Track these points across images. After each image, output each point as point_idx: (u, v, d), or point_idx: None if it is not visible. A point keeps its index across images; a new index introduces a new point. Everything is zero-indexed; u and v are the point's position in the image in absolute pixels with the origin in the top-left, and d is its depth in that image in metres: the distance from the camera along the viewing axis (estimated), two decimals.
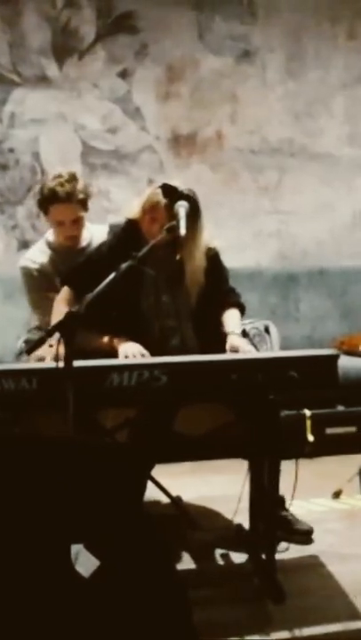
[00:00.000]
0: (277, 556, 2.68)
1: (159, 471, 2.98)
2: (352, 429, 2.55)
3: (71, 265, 3.00)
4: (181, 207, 2.59)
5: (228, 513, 3.14)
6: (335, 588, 2.67)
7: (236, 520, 3.01)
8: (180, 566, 2.80)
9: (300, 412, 2.43)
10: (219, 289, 2.91)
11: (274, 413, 2.47)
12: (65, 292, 2.89)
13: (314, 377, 2.47)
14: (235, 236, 4.66)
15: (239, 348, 2.68)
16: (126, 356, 2.64)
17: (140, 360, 2.57)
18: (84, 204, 3.09)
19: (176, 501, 3.22)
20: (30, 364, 2.57)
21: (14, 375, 2.35)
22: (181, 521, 3.14)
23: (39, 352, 2.46)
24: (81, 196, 3.05)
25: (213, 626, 2.37)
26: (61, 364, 2.17)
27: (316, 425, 2.42)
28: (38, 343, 2.28)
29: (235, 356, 2.63)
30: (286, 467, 2.66)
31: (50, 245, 3.21)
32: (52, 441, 1.99)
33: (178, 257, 2.76)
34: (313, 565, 2.84)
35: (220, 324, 2.85)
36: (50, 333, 2.23)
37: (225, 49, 4.72)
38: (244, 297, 3.01)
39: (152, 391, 2.40)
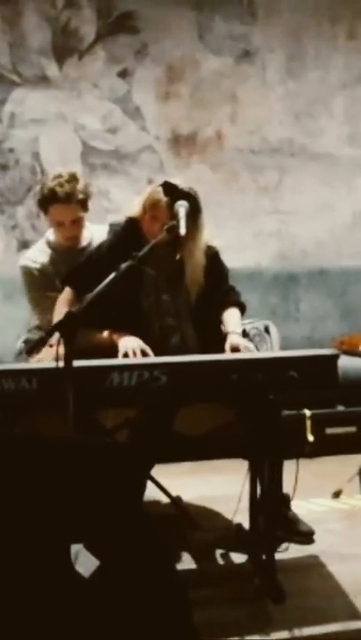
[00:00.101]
0: (277, 556, 2.68)
1: (159, 471, 2.98)
2: (352, 429, 2.55)
3: (71, 265, 3.01)
4: (181, 207, 2.59)
5: (228, 513, 3.14)
6: (335, 588, 2.67)
7: (236, 520, 3.00)
8: (180, 566, 2.80)
9: (300, 411, 2.43)
10: (219, 288, 2.91)
11: (274, 413, 2.47)
12: (66, 292, 2.89)
13: (314, 377, 2.47)
14: (235, 235, 4.66)
15: (239, 346, 2.67)
16: (126, 351, 2.64)
17: (140, 360, 2.57)
18: (83, 205, 3.09)
19: (176, 501, 3.22)
20: (30, 363, 2.57)
21: (14, 375, 2.35)
22: (181, 521, 3.14)
23: (40, 355, 2.47)
24: (81, 196, 3.05)
25: (213, 626, 2.37)
26: (61, 364, 2.17)
27: (316, 425, 2.42)
28: (38, 343, 2.28)
29: (235, 355, 2.63)
30: (286, 467, 2.66)
31: (50, 245, 3.21)
32: (52, 441, 1.99)
33: (178, 256, 2.76)
34: (313, 565, 2.84)
35: (220, 323, 2.85)
36: (50, 333, 2.23)
37: (225, 49, 4.72)
38: (244, 297, 3.01)
39: (152, 391, 2.40)
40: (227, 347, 2.68)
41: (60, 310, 2.72)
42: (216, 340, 2.76)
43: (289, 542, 2.94)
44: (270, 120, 4.82)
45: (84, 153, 4.60)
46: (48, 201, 3.04)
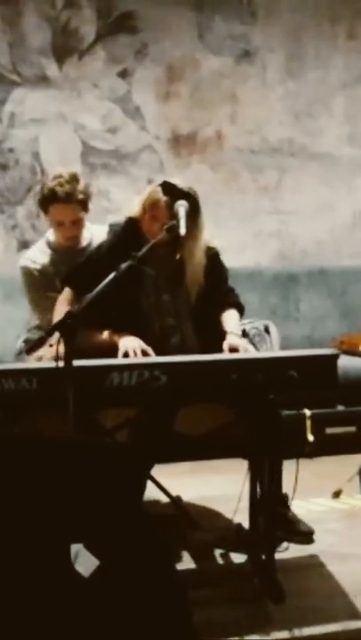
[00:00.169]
0: (277, 556, 2.68)
1: (159, 471, 2.98)
2: (352, 429, 2.55)
3: (71, 265, 3.01)
4: (181, 207, 2.59)
5: (227, 513, 3.14)
6: (335, 588, 2.67)
7: (236, 520, 3.00)
8: (180, 566, 2.80)
9: (300, 411, 2.43)
10: (218, 288, 2.91)
11: (274, 413, 2.47)
12: (66, 292, 2.89)
13: (314, 377, 2.47)
14: (235, 235, 4.65)
15: (238, 347, 2.67)
16: (126, 351, 2.63)
17: (140, 360, 2.57)
18: (83, 205, 3.08)
19: (176, 501, 3.22)
20: (30, 363, 2.57)
21: (14, 375, 2.35)
22: (181, 521, 3.14)
23: (38, 353, 2.47)
24: (81, 196, 3.04)
25: (213, 626, 2.37)
26: (61, 364, 2.17)
27: (316, 425, 2.42)
28: (38, 343, 2.28)
29: (235, 355, 2.63)
30: (286, 466, 2.66)
31: (50, 245, 3.21)
32: (52, 441, 1.99)
33: (178, 256, 2.76)
34: (313, 565, 2.84)
35: (219, 324, 2.85)
36: (49, 333, 2.23)
37: (225, 49, 4.72)
38: (244, 297, 3.01)
39: (152, 391, 2.40)
40: (225, 347, 2.68)
41: (60, 310, 2.72)
42: (216, 340, 2.76)
43: (289, 542, 2.95)
44: (270, 120, 4.82)
45: (84, 153, 4.60)
46: (48, 201, 3.04)
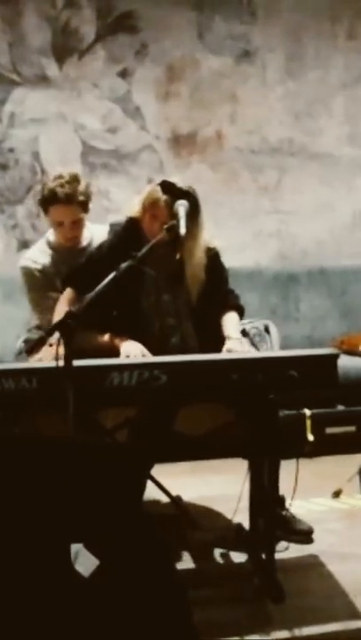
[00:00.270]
0: (277, 556, 2.68)
1: (159, 471, 2.98)
2: (352, 429, 2.55)
3: (72, 265, 3.01)
4: (181, 206, 2.59)
5: (227, 513, 3.14)
6: (335, 588, 2.67)
7: (236, 520, 3.00)
8: (180, 566, 2.80)
9: (299, 411, 2.43)
10: (218, 289, 2.91)
11: (274, 413, 2.47)
12: (67, 292, 2.89)
13: (314, 376, 2.47)
14: (235, 235, 4.65)
15: (238, 351, 2.68)
16: (128, 356, 2.64)
17: (139, 359, 2.57)
18: (84, 206, 3.07)
19: (176, 501, 3.22)
20: (30, 363, 2.57)
21: (14, 375, 2.35)
22: (181, 521, 3.14)
23: (38, 354, 2.47)
24: (81, 198, 3.03)
25: (213, 626, 2.38)
26: (61, 364, 2.17)
27: (315, 424, 2.42)
28: (38, 343, 2.29)
29: (235, 355, 2.63)
30: (286, 466, 2.66)
31: (50, 245, 3.21)
32: (52, 441, 1.99)
33: (178, 256, 2.76)
34: (313, 565, 2.84)
35: (219, 326, 2.85)
36: (49, 333, 2.23)
37: (225, 49, 4.71)
38: (244, 297, 3.01)
39: (152, 391, 2.40)
40: (224, 351, 2.69)
41: (61, 310, 2.72)
42: (216, 340, 2.76)
43: (287, 541, 2.95)
44: (270, 120, 4.82)
45: (84, 153, 4.60)
46: (48, 201, 3.04)
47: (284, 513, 3.02)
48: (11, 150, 4.51)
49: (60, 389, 2.14)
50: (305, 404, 2.46)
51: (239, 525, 3.02)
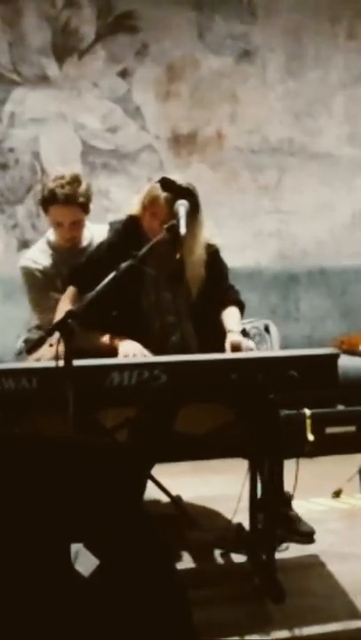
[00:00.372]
0: (277, 556, 2.68)
1: (159, 471, 2.98)
2: (352, 429, 2.55)
3: (73, 265, 3.00)
4: (182, 206, 2.59)
5: (227, 513, 3.14)
6: (335, 588, 2.67)
7: (236, 520, 3.00)
8: (180, 566, 2.80)
9: (300, 411, 2.43)
10: (219, 285, 2.91)
11: (274, 413, 2.47)
12: (69, 291, 2.89)
13: (314, 376, 2.47)
14: (235, 235, 4.65)
15: (240, 344, 2.67)
16: (126, 356, 2.64)
17: (139, 359, 2.57)
18: (84, 207, 3.06)
19: (176, 501, 3.22)
20: (30, 363, 2.57)
21: (14, 375, 2.34)
22: (181, 521, 3.14)
23: (38, 353, 2.47)
24: (81, 199, 3.02)
25: (213, 626, 2.37)
26: (61, 364, 2.17)
27: (316, 424, 2.42)
28: (38, 343, 2.28)
29: (235, 355, 2.63)
30: (286, 466, 2.66)
31: (50, 245, 3.20)
32: (52, 441, 1.99)
33: (178, 256, 2.75)
34: (313, 565, 2.84)
35: (219, 322, 2.85)
36: (50, 332, 2.23)
37: (225, 49, 4.72)
38: (244, 297, 3.01)
39: (152, 390, 2.40)
40: (227, 345, 2.68)
41: (63, 309, 2.72)
42: (216, 338, 2.75)
43: (289, 541, 2.95)
44: (270, 120, 4.82)
45: (84, 152, 4.60)
46: (48, 202, 3.04)
47: (292, 513, 3.03)
48: (11, 150, 4.51)
49: (60, 389, 2.14)
50: (305, 403, 2.45)
51: (239, 525, 3.02)
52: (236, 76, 4.75)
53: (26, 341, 3.12)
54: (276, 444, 2.53)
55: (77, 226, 3.11)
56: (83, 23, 4.52)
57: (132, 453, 2.28)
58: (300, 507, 3.18)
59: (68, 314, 2.21)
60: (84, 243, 3.17)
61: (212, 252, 2.88)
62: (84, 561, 1.83)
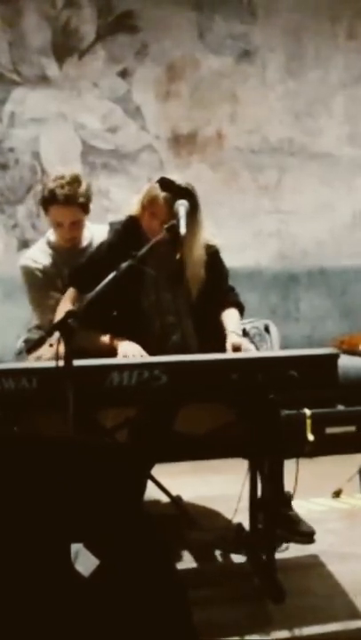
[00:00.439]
0: (277, 556, 2.68)
1: (159, 471, 2.98)
2: (352, 429, 2.55)
3: (73, 265, 3.01)
4: (181, 206, 2.59)
5: (227, 513, 3.14)
6: (335, 588, 2.67)
7: (236, 520, 3.00)
8: (180, 566, 2.80)
9: (300, 411, 2.43)
10: (219, 287, 2.91)
11: (274, 413, 2.47)
12: (70, 291, 2.89)
13: (314, 376, 2.47)
14: (235, 235, 4.65)
15: (241, 345, 2.67)
16: (125, 357, 2.64)
17: (140, 359, 2.57)
18: (84, 208, 3.06)
19: (176, 501, 3.22)
20: (30, 363, 2.57)
21: (14, 375, 2.34)
22: (181, 521, 3.14)
23: (38, 353, 2.47)
24: (81, 199, 3.02)
25: (213, 626, 2.37)
26: (61, 364, 2.17)
27: (316, 424, 2.42)
28: (38, 343, 2.28)
29: (235, 355, 2.63)
30: (286, 466, 2.66)
31: (50, 245, 3.20)
32: (52, 441, 1.99)
33: (178, 256, 2.75)
34: (313, 565, 2.84)
35: (219, 323, 2.85)
36: (50, 332, 2.23)
37: (225, 49, 4.72)
38: (244, 297, 3.01)
39: (152, 391, 2.40)
40: (228, 346, 2.68)
41: (64, 309, 2.72)
42: (216, 338, 2.76)
43: (289, 542, 2.95)
44: (270, 120, 4.83)
45: (84, 152, 4.60)
46: (48, 202, 3.04)
47: (292, 513, 3.03)
48: (11, 150, 4.51)
49: (60, 389, 2.14)
50: (305, 403, 2.45)
51: (239, 525, 3.02)
52: (236, 76, 4.75)
53: (26, 341, 3.12)
54: (276, 444, 2.53)
55: (77, 226, 3.11)
56: (83, 23, 4.52)
57: (132, 453, 2.28)
58: (300, 507, 3.18)
59: (68, 314, 2.21)
60: (84, 243, 3.18)
61: (212, 253, 2.88)
62: (84, 561, 1.83)
